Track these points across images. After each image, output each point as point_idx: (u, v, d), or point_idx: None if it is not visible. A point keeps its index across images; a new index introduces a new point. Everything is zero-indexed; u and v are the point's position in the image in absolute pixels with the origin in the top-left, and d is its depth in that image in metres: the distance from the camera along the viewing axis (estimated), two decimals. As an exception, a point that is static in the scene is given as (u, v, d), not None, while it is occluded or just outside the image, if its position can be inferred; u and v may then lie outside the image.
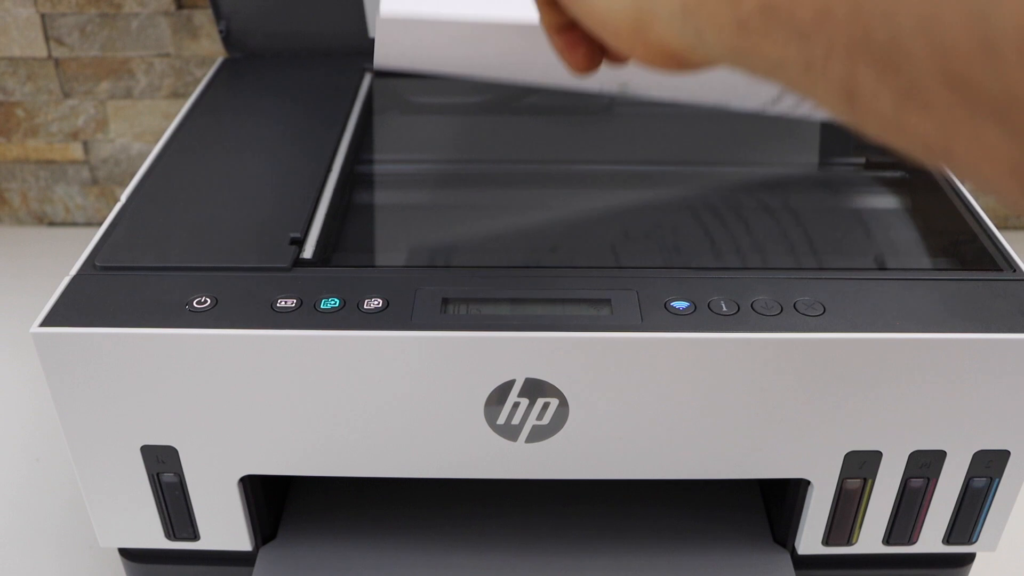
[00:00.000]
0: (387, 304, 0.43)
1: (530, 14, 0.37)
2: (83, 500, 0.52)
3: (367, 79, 0.66)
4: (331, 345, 0.41)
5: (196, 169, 0.54)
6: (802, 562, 0.50)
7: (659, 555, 0.51)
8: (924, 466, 0.46)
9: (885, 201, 0.51)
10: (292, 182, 0.52)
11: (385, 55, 0.41)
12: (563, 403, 0.43)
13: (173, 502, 0.47)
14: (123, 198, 0.51)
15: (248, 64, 0.69)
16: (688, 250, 0.47)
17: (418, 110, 0.66)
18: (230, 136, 0.58)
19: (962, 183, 0.53)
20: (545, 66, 0.38)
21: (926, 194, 0.54)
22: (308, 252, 0.47)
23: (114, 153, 0.86)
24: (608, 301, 0.43)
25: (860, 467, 0.46)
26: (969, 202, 0.51)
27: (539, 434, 0.44)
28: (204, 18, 0.78)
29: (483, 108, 0.64)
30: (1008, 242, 0.48)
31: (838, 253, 0.48)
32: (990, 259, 0.47)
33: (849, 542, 0.49)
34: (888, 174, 0.55)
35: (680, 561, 0.51)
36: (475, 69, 0.42)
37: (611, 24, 0.35)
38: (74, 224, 0.90)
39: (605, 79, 0.38)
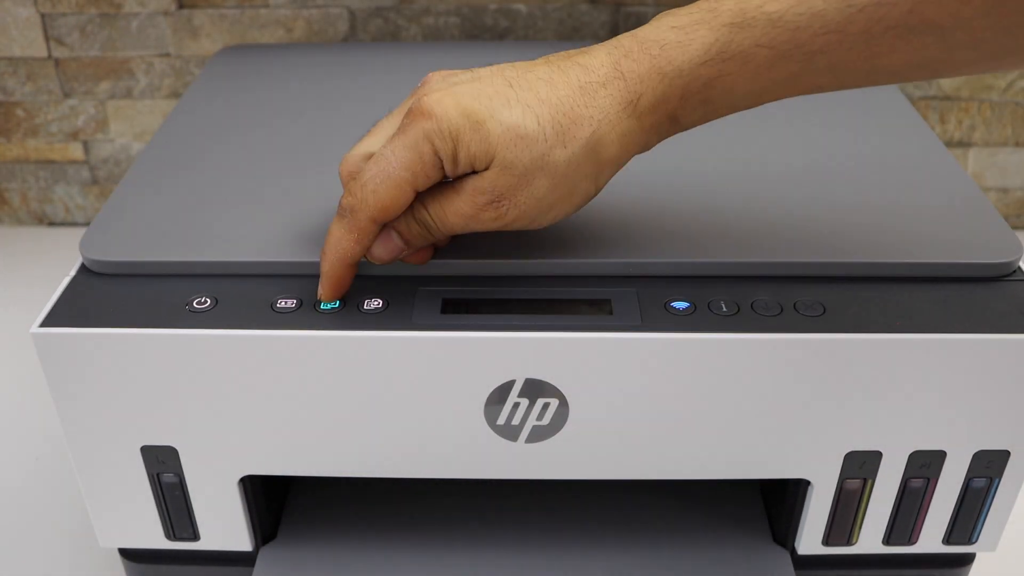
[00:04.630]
0: (387, 304, 0.43)
1: None
2: (83, 500, 0.52)
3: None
4: (331, 345, 0.41)
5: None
6: (802, 562, 0.50)
7: (659, 555, 0.51)
8: (924, 466, 0.46)
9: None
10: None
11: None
12: (563, 403, 0.43)
13: (173, 502, 0.47)
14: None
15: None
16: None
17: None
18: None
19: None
20: None
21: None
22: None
23: (114, 153, 0.86)
24: (608, 301, 0.43)
25: (860, 467, 0.46)
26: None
27: (539, 434, 0.44)
28: (204, 18, 0.78)
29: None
30: (1008, 242, 0.48)
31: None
32: (990, 259, 0.47)
33: (849, 542, 0.49)
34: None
35: (680, 561, 0.51)
36: None
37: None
38: (74, 224, 0.91)
39: None
